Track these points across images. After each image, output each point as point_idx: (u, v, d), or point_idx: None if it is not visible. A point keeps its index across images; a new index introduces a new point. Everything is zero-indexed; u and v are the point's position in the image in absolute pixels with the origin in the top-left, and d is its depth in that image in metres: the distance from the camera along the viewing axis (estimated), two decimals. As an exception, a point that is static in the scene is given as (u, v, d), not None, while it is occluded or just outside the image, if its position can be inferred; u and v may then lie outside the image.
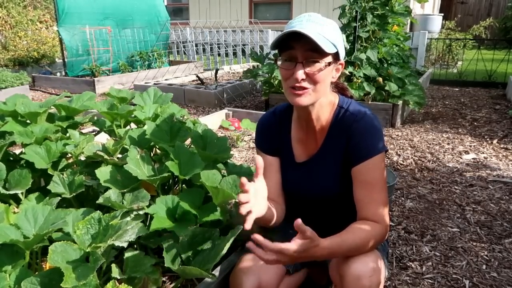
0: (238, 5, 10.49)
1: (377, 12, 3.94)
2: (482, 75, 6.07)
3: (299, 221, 0.90)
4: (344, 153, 1.16)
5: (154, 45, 7.18)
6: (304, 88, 1.06)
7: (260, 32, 8.09)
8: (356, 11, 3.85)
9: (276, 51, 1.11)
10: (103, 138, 1.96)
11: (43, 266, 1.30)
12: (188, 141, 1.71)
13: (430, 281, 1.64)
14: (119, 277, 1.12)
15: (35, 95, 5.68)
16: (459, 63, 7.64)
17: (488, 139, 3.48)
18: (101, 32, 6.44)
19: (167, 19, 7.57)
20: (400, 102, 3.84)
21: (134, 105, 1.97)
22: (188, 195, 1.45)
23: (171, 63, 7.73)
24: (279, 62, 1.10)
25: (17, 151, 1.83)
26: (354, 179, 1.14)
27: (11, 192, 1.39)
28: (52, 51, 7.42)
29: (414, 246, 1.89)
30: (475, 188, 2.52)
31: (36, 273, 1.09)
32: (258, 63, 4.66)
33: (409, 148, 3.28)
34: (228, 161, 1.70)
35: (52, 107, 1.86)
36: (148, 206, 1.36)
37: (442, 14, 9.89)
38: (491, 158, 3.04)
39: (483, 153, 3.16)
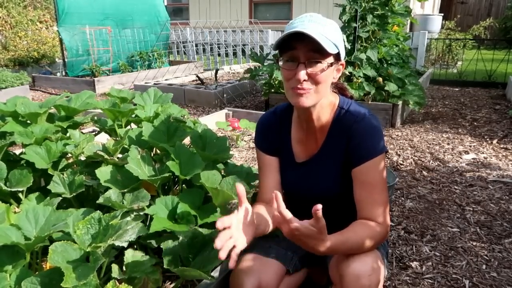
0: (238, 5, 10.49)
1: (377, 12, 3.94)
2: (482, 75, 6.07)
3: (318, 207, 0.89)
4: (344, 153, 1.16)
5: (154, 45, 7.19)
6: (306, 89, 1.06)
7: (260, 32, 8.09)
8: (356, 11, 3.85)
9: (277, 52, 1.11)
10: (103, 138, 1.96)
11: (44, 266, 1.30)
12: (188, 141, 1.71)
13: (430, 281, 1.64)
14: (119, 277, 1.12)
15: (35, 95, 5.68)
16: (459, 63, 7.64)
17: (488, 139, 3.48)
18: (101, 32, 6.45)
19: (167, 19, 7.57)
20: (400, 102, 3.84)
21: (135, 105, 1.97)
22: (188, 195, 1.45)
23: (171, 63, 7.73)
24: (280, 63, 1.09)
25: (17, 151, 1.83)
26: (354, 180, 1.14)
27: (13, 189, 1.40)
28: (52, 51, 7.42)
29: (414, 246, 1.89)
30: (475, 188, 2.52)
31: (37, 273, 1.09)
32: (258, 63, 4.67)
33: (409, 148, 3.28)
34: (228, 161, 1.70)
35: (52, 107, 1.87)
36: (148, 206, 1.36)
37: (442, 14, 9.90)
38: (491, 158, 3.04)
39: (483, 153, 3.16)
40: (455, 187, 2.55)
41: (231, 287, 1.18)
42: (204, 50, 8.69)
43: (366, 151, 1.11)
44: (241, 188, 0.98)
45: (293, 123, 1.27)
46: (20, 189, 1.41)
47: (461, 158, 3.06)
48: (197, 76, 5.86)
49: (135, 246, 1.40)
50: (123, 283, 1.04)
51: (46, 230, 1.17)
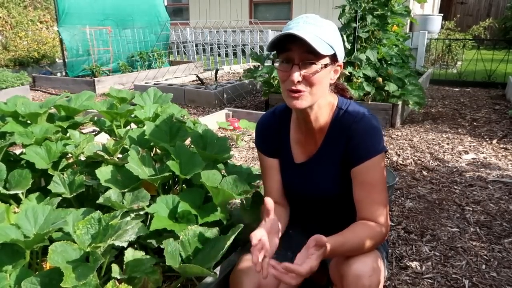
0: (238, 5, 10.50)
1: (376, 13, 3.94)
2: (482, 75, 6.07)
3: (318, 238, 0.93)
4: (343, 154, 1.16)
5: (154, 45, 7.19)
6: (300, 91, 1.06)
7: (260, 32, 8.10)
8: (356, 12, 3.85)
9: (275, 52, 1.11)
10: (103, 138, 1.96)
11: (43, 266, 1.31)
12: (188, 141, 1.71)
13: (429, 281, 1.64)
14: (119, 277, 1.12)
15: (35, 95, 5.69)
16: (459, 63, 7.64)
17: (487, 139, 3.49)
18: (101, 32, 6.45)
19: (167, 19, 7.58)
20: (399, 102, 3.84)
21: (134, 105, 1.97)
22: (189, 195, 1.45)
23: (171, 63, 7.73)
24: (276, 64, 1.09)
25: (18, 152, 1.83)
26: (353, 180, 1.14)
27: (11, 192, 1.40)
28: (53, 51, 7.43)
29: (414, 246, 1.89)
30: (474, 188, 2.52)
31: (36, 273, 1.09)
32: (258, 63, 4.67)
33: (409, 148, 3.28)
34: (228, 161, 1.71)
35: (52, 107, 1.87)
36: (148, 206, 1.36)
37: (442, 14, 9.90)
38: (491, 158, 3.04)
39: (483, 153, 3.16)
40: (455, 187, 2.55)
41: (231, 287, 1.18)
42: (204, 50, 8.69)
43: (365, 151, 1.11)
44: (269, 202, 1.04)
45: (292, 124, 1.27)
46: (19, 192, 1.41)
47: (460, 158, 3.06)
48: (197, 76, 5.87)
49: (135, 246, 1.40)
50: (123, 283, 1.04)
51: (46, 228, 1.18)
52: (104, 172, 1.43)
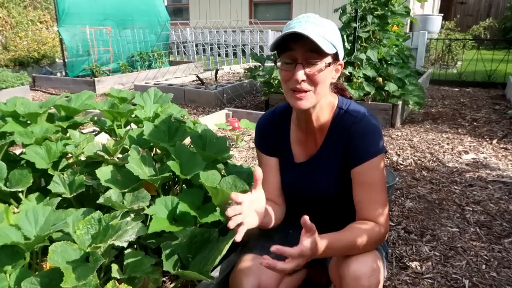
0: (238, 5, 10.50)
1: (377, 13, 3.94)
2: (482, 75, 6.07)
3: (306, 218, 0.91)
4: (343, 154, 1.16)
5: (154, 45, 7.19)
6: (305, 91, 1.06)
7: (260, 32, 8.10)
8: (356, 11, 3.85)
9: (275, 52, 1.11)
10: (103, 138, 1.96)
11: (44, 266, 1.31)
12: (187, 141, 1.71)
13: (429, 281, 1.64)
14: (119, 277, 1.12)
15: (35, 95, 5.69)
16: (459, 63, 7.64)
17: (487, 139, 3.49)
18: (102, 32, 6.45)
19: (167, 20, 7.58)
20: (400, 102, 3.84)
21: (135, 105, 1.97)
22: (188, 195, 1.45)
23: (171, 63, 7.73)
24: (278, 64, 1.10)
25: (18, 152, 1.83)
26: (353, 180, 1.14)
27: (12, 189, 1.40)
28: (53, 52, 7.42)
29: (413, 246, 1.89)
30: (474, 188, 2.52)
31: (36, 273, 1.09)
32: (259, 63, 4.67)
33: (409, 148, 3.28)
34: (228, 161, 1.70)
35: (52, 107, 1.87)
36: (148, 206, 1.36)
37: (442, 14, 9.90)
38: (491, 158, 3.04)
39: (483, 153, 3.16)
40: (455, 187, 2.55)
41: (231, 287, 1.18)
42: (204, 50, 8.69)
43: (365, 151, 1.11)
44: (258, 171, 1.04)
45: (292, 124, 1.27)
46: (20, 189, 1.41)
47: (460, 158, 3.06)
48: (197, 76, 5.87)
49: (135, 246, 1.40)
50: (123, 283, 1.04)
51: (46, 230, 1.17)
52: (104, 172, 1.42)
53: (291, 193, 1.30)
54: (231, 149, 3.18)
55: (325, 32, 1.04)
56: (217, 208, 1.39)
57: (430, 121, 4.10)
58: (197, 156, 1.50)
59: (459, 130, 3.77)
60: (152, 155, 1.66)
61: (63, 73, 6.47)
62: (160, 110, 1.87)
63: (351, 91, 3.72)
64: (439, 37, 8.41)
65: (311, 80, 1.06)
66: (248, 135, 3.62)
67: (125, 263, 1.20)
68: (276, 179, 1.29)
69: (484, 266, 1.73)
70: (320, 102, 1.13)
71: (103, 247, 1.06)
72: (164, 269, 1.15)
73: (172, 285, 1.45)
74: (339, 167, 1.18)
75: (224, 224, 1.40)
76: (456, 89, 5.89)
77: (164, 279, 1.50)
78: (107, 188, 1.38)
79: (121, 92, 2.10)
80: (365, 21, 3.94)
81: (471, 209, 2.26)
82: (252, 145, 3.37)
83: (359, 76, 3.85)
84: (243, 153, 3.18)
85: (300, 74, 1.03)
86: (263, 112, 1.86)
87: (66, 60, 6.30)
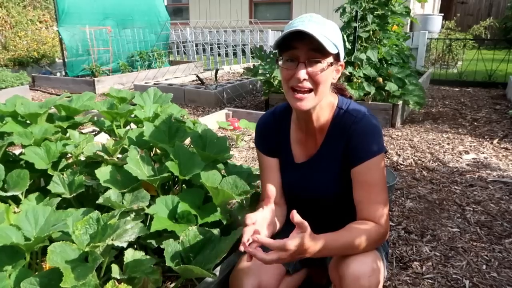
0: (238, 5, 10.50)
1: (377, 12, 3.94)
2: (482, 75, 6.07)
3: (294, 213, 0.91)
4: (343, 153, 1.16)
5: (154, 45, 7.19)
6: (306, 89, 1.06)
7: (260, 32, 8.09)
8: (356, 11, 3.85)
9: (277, 51, 1.10)
10: (103, 138, 1.95)
11: (43, 266, 1.30)
12: (187, 141, 1.71)
13: (430, 281, 1.64)
14: (119, 277, 1.11)
15: (35, 95, 5.68)
16: (459, 63, 7.63)
17: (488, 139, 3.48)
18: (101, 32, 6.44)
19: (167, 19, 7.57)
20: (400, 102, 3.84)
21: (134, 105, 1.97)
22: (188, 195, 1.45)
23: (171, 63, 7.73)
24: (280, 62, 1.09)
25: (17, 152, 1.82)
26: (353, 180, 1.14)
27: (8, 194, 1.39)
28: (52, 51, 7.42)
29: (414, 246, 1.89)
30: (475, 188, 2.52)
31: (36, 273, 1.09)
32: (260, 61, 4.66)
33: (409, 148, 3.27)
34: (228, 161, 1.70)
35: (52, 107, 1.86)
36: (148, 206, 1.35)
37: (442, 14, 9.89)
38: (491, 158, 3.04)
39: (483, 153, 3.16)
40: (455, 187, 2.55)
41: (231, 287, 1.18)
42: (204, 50, 8.69)
43: (365, 151, 1.11)
44: (271, 188, 1.07)
45: (292, 124, 1.27)
46: (17, 193, 1.40)
47: (461, 158, 3.05)
48: (197, 76, 5.86)
49: (135, 246, 1.40)
50: (122, 283, 1.03)
51: (46, 230, 1.17)
52: (103, 172, 1.42)
53: (291, 193, 1.30)
54: (231, 149, 3.18)
55: (328, 32, 1.04)
56: (218, 208, 1.39)
57: (430, 121, 4.09)
58: (196, 156, 1.50)
59: (460, 130, 3.77)
60: (151, 155, 1.66)
61: (63, 73, 6.46)
62: (160, 110, 1.87)
63: (351, 91, 3.72)
64: (439, 37, 8.41)
65: (313, 80, 1.05)
66: (248, 135, 3.62)
67: (125, 263, 1.20)
68: (277, 179, 1.29)
69: (484, 267, 1.73)
70: (320, 102, 1.13)
71: (101, 246, 1.06)
72: (166, 264, 1.16)
73: (172, 285, 1.45)
74: (339, 167, 1.18)
75: (225, 224, 1.40)
76: (457, 89, 5.89)
77: (164, 279, 1.50)
78: (107, 188, 1.38)
79: (120, 92, 2.10)
80: (365, 21, 3.94)
81: (471, 209, 2.25)
82: (252, 145, 3.37)
83: (359, 76, 3.84)
84: (243, 153, 3.18)
85: (302, 73, 1.03)
86: (263, 112, 1.85)
87: (65, 60, 6.30)
